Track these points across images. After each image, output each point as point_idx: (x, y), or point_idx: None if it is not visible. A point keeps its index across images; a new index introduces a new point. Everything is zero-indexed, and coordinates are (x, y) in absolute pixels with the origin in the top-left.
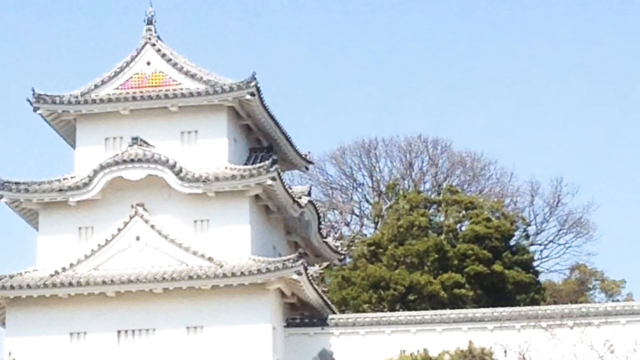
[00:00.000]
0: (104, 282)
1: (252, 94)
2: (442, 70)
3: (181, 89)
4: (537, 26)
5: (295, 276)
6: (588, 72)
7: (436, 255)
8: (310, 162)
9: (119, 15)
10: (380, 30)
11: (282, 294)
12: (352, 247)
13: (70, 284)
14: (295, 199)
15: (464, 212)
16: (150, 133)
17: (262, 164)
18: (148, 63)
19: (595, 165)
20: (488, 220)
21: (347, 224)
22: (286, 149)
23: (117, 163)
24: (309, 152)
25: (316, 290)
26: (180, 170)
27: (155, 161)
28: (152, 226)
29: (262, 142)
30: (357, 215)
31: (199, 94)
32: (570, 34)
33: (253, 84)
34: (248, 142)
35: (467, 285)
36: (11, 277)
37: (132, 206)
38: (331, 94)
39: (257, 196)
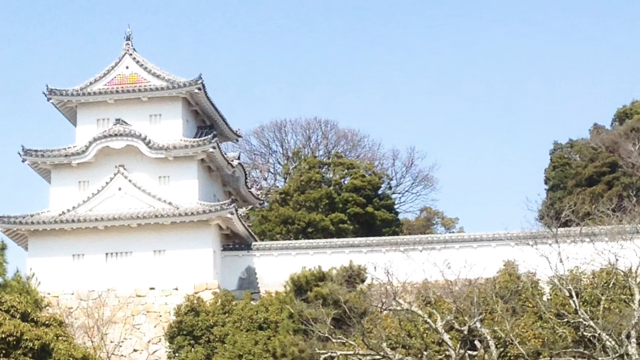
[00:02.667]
0: (96, 220)
1: (199, 89)
2: (331, 72)
3: (150, 85)
4: (392, 39)
5: (229, 215)
6: (430, 71)
7: (327, 201)
8: (240, 136)
9: (106, 33)
10: (287, 43)
11: (220, 228)
12: (269, 195)
13: (73, 221)
14: (229, 161)
15: (346, 170)
16: (128, 116)
17: (205, 137)
18: (127, 67)
19: (438, 137)
20: (363, 176)
21: (265, 179)
22: (223, 127)
23: (105, 137)
24: (239, 129)
25: (244, 225)
26: (149, 142)
27: (132, 135)
28: (130, 181)
29: (206, 122)
30: (272, 173)
31: (162, 88)
32: (416, 44)
33: (200, 81)
34: (196, 122)
35: (348, 222)
36: (32, 215)
37: (115, 167)
38: (254, 87)
39: (202, 160)
